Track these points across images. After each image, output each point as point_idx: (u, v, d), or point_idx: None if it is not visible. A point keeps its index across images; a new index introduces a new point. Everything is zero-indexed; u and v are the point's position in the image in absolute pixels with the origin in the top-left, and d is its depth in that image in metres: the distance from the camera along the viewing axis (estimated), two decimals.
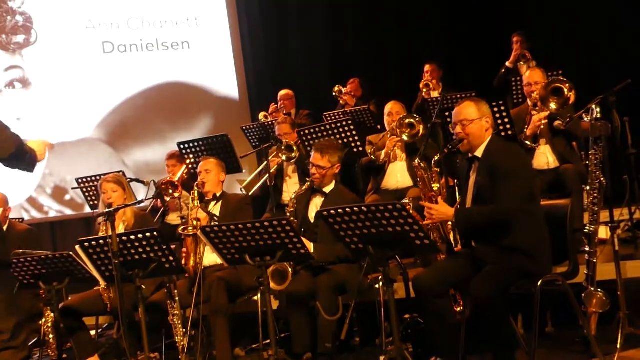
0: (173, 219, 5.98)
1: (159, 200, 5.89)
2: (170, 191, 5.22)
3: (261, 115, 7.44)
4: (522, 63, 7.06)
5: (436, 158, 3.87)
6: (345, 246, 3.60)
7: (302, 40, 9.00)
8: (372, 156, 5.69)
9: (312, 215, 4.65)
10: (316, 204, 4.67)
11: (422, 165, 3.80)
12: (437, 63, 7.50)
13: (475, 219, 3.69)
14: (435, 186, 3.77)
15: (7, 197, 5.81)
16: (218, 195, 4.93)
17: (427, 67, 7.48)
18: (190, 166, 5.74)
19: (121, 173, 6.09)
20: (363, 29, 8.67)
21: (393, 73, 8.47)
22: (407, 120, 5.48)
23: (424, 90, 7.16)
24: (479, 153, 3.79)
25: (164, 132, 8.36)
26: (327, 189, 4.67)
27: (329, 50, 8.92)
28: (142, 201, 4.78)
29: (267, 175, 5.89)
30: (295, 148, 5.71)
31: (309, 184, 4.70)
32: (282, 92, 7.58)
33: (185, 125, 8.51)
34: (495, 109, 5.01)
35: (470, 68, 8.10)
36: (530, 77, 5.27)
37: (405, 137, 5.47)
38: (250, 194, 6.03)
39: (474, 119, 3.76)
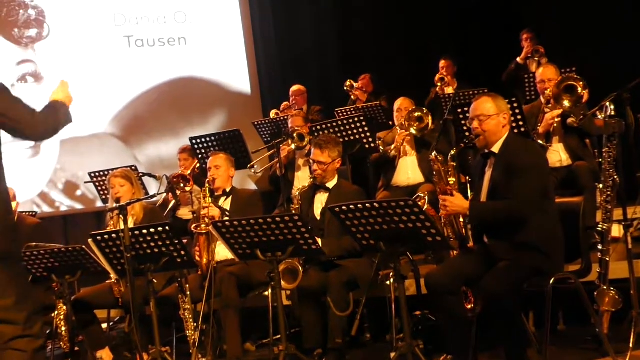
0: (184, 213, 5.99)
1: (170, 194, 5.90)
2: (182, 185, 5.23)
3: (272, 113, 7.43)
4: (536, 59, 7.03)
5: (453, 152, 3.85)
6: (356, 242, 3.60)
7: (313, 36, 8.99)
8: (381, 148, 5.69)
9: (317, 212, 4.65)
10: (320, 200, 4.68)
11: (439, 158, 3.78)
12: (452, 58, 7.49)
13: (489, 213, 3.68)
14: (452, 180, 3.75)
15: (15, 192, 5.85)
16: (228, 190, 4.93)
17: (442, 63, 7.46)
18: (202, 161, 5.75)
19: (133, 168, 6.14)
20: (375, 24, 8.65)
21: (404, 69, 8.44)
22: (415, 114, 5.47)
23: (439, 84, 7.14)
24: (495, 149, 3.76)
25: (177, 127, 8.35)
26: (330, 184, 4.67)
27: (340, 45, 8.91)
28: (154, 195, 4.80)
29: (278, 163, 5.87)
30: (306, 138, 5.70)
31: (311, 180, 4.70)
32: (294, 88, 7.58)
33: (198, 120, 8.51)
34: (508, 106, 4.98)
35: (482, 64, 8.06)
36: (543, 74, 5.24)
37: (413, 131, 5.46)
38: (258, 172, 6.03)
39: (491, 115, 3.74)
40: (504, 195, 3.64)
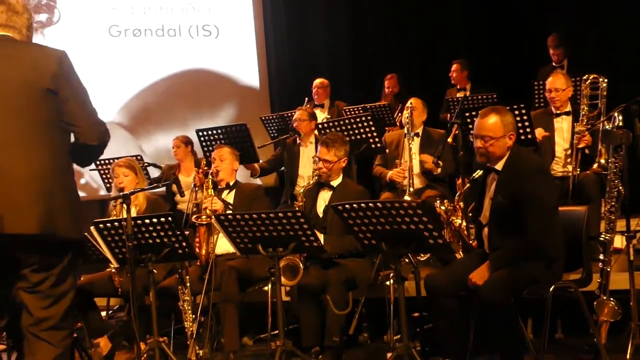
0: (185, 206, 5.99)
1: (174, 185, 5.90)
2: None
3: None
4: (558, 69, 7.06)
5: (464, 188, 3.79)
6: (358, 241, 3.60)
7: (325, 32, 8.98)
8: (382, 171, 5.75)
9: (320, 209, 4.65)
10: (324, 198, 4.68)
11: (443, 207, 3.67)
12: (463, 62, 7.51)
13: (511, 259, 3.61)
14: (457, 222, 3.64)
15: None
16: (231, 183, 4.94)
17: (453, 67, 7.51)
18: (207, 153, 5.75)
19: (138, 157, 6.14)
20: (387, 23, 8.62)
21: (415, 70, 8.43)
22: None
23: (458, 85, 7.18)
24: (498, 166, 3.72)
25: (186, 119, 8.29)
26: (335, 183, 4.67)
27: (351, 43, 8.90)
28: (157, 186, 4.80)
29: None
30: None
31: (316, 178, 4.70)
32: (317, 81, 7.51)
33: (207, 112, 8.49)
34: (516, 112, 4.97)
35: (493, 66, 8.04)
36: (552, 83, 5.18)
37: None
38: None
39: (498, 137, 3.65)
40: (510, 220, 3.59)
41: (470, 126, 4.94)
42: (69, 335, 2.99)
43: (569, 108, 5.18)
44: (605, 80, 5.02)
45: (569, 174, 5.03)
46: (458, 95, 7.28)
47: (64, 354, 2.98)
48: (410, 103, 5.79)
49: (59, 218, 2.84)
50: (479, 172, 3.80)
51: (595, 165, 4.86)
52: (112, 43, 8.31)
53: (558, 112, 5.19)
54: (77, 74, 2.95)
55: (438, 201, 3.77)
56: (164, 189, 6.14)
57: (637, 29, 7.05)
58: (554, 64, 7.07)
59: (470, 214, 3.85)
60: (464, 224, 3.82)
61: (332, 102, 7.50)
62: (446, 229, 3.66)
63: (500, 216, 3.67)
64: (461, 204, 3.70)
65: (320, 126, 5.75)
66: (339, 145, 4.62)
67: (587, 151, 4.98)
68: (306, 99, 7.29)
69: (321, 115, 7.14)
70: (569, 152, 5.07)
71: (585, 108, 5.02)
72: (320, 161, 4.65)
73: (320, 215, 4.63)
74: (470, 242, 3.95)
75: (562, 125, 5.17)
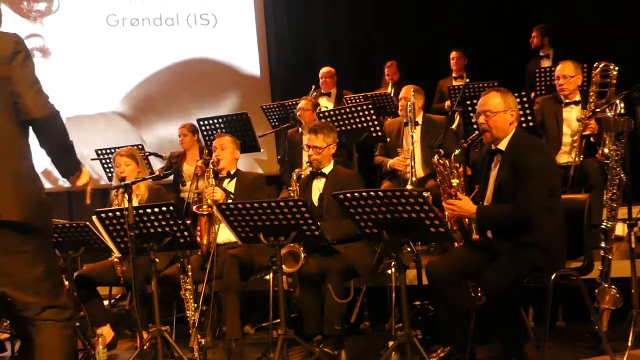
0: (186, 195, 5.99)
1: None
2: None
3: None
4: (544, 54, 7.12)
5: (456, 152, 3.82)
6: (359, 229, 3.60)
7: (325, 21, 8.93)
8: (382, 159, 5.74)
9: (315, 198, 4.65)
10: (318, 186, 4.67)
11: (442, 161, 3.72)
12: (462, 51, 7.49)
13: (496, 217, 3.66)
14: (455, 182, 3.69)
15: None
16: (232, 172, 4.93)
17: (453, 54, 7.48)
18: (208, 143, 5.75)
19: (140, 147, 6.13)
20: (388, 12, 8.57)
21: (416, 58, 8.39)
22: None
23: (455, 74, 7.24)
24: (502, 146, 3.74)
25: (187, 109, 8.26)
26: (326, 170, 4.66)
27: (352, 31, 8.85)
28: (159, 176, 4.79)
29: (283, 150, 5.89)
30: None
31: (308, 165, 4.70)
32: (325, 69, 7.49)
33: (208, 102, 8.45)
34: (517, 100, 4.95)
35: (493, 56, 8.01)
36: (561, 71, 5.13)
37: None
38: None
39: (498, 111, 3.71)
40: (510, 195, 3.61)
41: (472, 114, 4.94)
42: (63, 309, 3.07)
43: (578, 97, 5.14)
44: (616, 68, 4.97)
45: (573, 163, 5.03)
46: (455, 83, 7.27)
47: (67, 325, 3.06)
48: (403, 93, 5.78)
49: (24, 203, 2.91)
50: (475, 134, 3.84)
51: (598, 154, 4.85)
52: (110, 32, 8.26)
53: (567, 100, 5.15)
54: (30, 56, 3.00)
55: (436, 155, 3.79)
56: (171, 177, 6.14)
57: (636, 23, 7.04)
58: (532, 47, 7.36)
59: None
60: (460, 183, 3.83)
61: (339, 90, 7.48)
62: (443, 188, 3.70)
63: (501, 192, 3.69)
64: (457, 164, 3.75)
65: (321, 115, 5.74)
66: (327, 132, 4.62)
67: (592, 139, 4.96)
68: (313, 87, 7.26)
69: (328, 104, 7.14)
70: (575, 142, 5.05)
71: (594, 95, 4.99)
72: (310, 148, 4.65)
73: (316, 204, 4.62)
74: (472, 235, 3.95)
75: (571, 115, 5.13)
